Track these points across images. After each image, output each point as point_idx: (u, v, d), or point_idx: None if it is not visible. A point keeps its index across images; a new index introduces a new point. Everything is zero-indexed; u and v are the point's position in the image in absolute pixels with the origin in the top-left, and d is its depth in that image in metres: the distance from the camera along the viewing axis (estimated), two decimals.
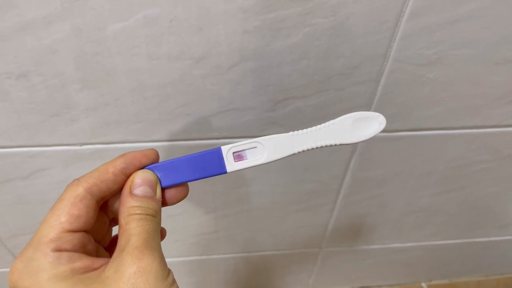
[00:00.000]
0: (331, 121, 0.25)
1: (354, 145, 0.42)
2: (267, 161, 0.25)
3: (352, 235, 0.56)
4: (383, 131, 0.26)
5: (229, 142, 0.38)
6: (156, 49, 0.31)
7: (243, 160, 0.25)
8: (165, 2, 0.28)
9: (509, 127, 0.43)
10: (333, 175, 0.46)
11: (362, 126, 0.25)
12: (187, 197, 0.26)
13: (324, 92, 0.36)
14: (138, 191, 0.23)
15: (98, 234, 0.25)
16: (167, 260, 0.22)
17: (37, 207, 0.43)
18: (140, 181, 0.24)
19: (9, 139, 0.36)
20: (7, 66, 0.30)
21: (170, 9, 0.29)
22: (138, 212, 0.22)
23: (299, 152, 0.25)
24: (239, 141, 0.25)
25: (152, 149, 0.25)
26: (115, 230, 0.26)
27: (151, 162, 0.25)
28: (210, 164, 0.25)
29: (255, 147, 0.25)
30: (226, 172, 0.25)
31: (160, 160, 0.26)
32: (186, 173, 0.25)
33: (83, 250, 0.22)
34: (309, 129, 0.25)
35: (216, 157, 0.25)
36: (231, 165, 0.25)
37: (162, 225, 0.25)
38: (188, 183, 0.26)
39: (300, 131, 0.25)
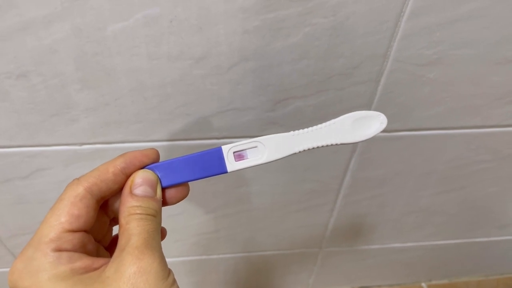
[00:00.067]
0: (332, 121, 0.25)
1: (354, 145, 0.42)
2: (268, 160, 0.25)
3: (352, 235, 0.56)
4: (383, 131, 0.26)
5: (229, 142, 0.38)
6: (156, 49, 0.31)
7: (243, 159, 0.25)
8: (165, 2, 0.28)
9: (509, 127, 0.43)
10: (333, 175, 0.46)
11: (362, 125, 0.25)
12: (188, 196, 0.26)
13: (324, 92, 0.36)
14: (139, 190, 0.23)
15: (98, 234, 0.25)
16: (167, 260, 0.22)
17: (36, 207, 0.43)
18: (141, 180, 0.24)
19: (9, 139, 0.36)
20: (7, 66, 0.30)
21: (170, 9, 0.29)
22: (138, 212, 0.22)
23: (299, 152, 0.25)
24: (240, 141, 0.25)
25: (153, 148, 0.25)
26: (115, 230, 0.26)
27: (151, 161, 0.25)
28: (211, 164, 0.25)
29: (256, 147, 0.25)
30: (226, 172, 0.25)
31: (161, 160, 0.26)
32: (187, 172, 0.25)
33: (83, 250, 0.22)
34: (310, 128, 0.25)
35: (216, 156, 0.25)
36: (231, 164, 0.25)
37: (163, 224, 0.25)
38: (189, 183, 0.26)
39: (301, 130, 0.25)
